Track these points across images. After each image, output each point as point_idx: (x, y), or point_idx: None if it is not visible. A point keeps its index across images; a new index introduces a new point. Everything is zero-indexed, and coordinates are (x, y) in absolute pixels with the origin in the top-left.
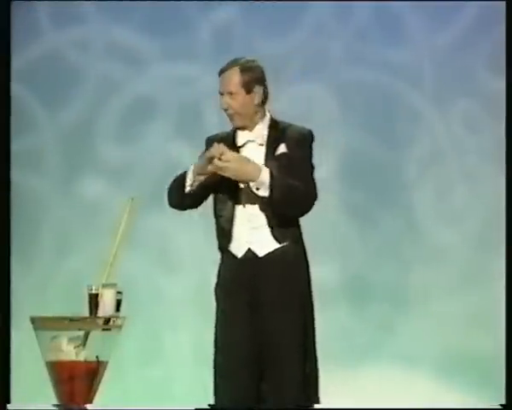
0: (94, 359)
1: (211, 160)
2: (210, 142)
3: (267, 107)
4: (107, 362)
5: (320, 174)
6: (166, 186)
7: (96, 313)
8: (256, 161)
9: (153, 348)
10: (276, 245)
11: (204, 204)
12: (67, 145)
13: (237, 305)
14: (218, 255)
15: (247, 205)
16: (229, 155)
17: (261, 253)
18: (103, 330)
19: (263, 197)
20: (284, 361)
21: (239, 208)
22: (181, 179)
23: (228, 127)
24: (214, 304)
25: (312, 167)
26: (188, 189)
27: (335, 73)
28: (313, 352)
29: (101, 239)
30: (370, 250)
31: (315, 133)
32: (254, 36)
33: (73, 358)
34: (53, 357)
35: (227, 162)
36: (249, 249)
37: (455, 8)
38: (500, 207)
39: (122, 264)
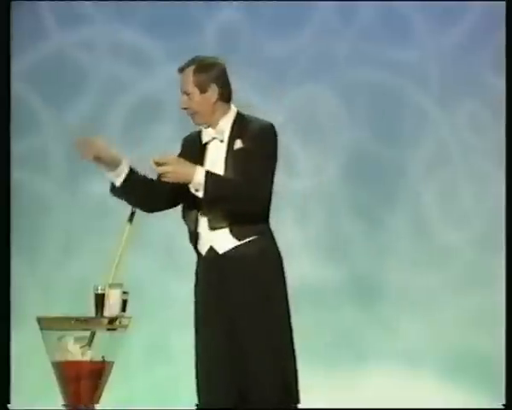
0: (100, 359)
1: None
2: (185, 141)
3: (233, 102)
4: (113, 362)
5: (326, 174)
6: None
7: (103, 313)
8: (218, 158)
9: (159, 348)
10: (236, 242)
11: None
12: (73, 146)
13: (208, 304)
14: None
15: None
16: (166, 158)
17: (221, 250)
18: (109, 330)
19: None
20: (256, 360)
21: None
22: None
23: None
24: None
25: (270, 162)
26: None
27: (341, 74)
28: (289, 349)
29: (108, 239)
30: (375, 250)
31: (320, 133)
32: (260, 36)
33: (79, 358)
34: (59, 357)
35: (165, 166)
36: (211, 247)
37: (461, 9)
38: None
39: (128, 264)
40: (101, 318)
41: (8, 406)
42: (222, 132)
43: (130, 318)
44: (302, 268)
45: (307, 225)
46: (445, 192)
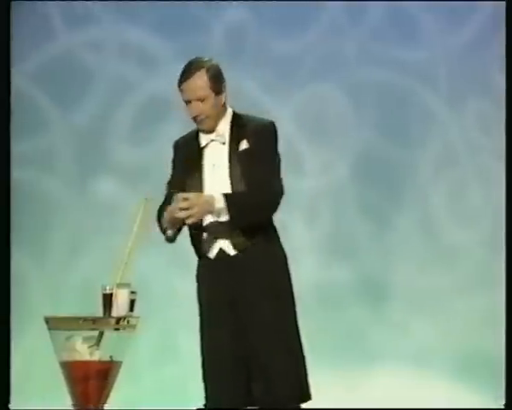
0: (108, 359)
1: (173, 214)
2: (177, 145)
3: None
4: (121, 362)
5: (333, 174)
6: None
7: (110, 313)
8: (220, 160)
9: (167, 347)
10: (247, 244)
11: None
12: (81, 146)
13: (218, 304)
14: None
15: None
16: (190, 202)
17: (232, 252)
18: (117, 330)
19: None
20: (266, 360)
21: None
22: (160, 226)
23: None
24: None
25: (276, 160)
26: (168, 235)
27: (349, 74)
28: (298, 348)
29: (116, 239)
30: (383, 250)
31: (328, 133)
32: (267, 36)
33: (87, 358)
34: (67, 357)
35: (191, 210)
36: (221, 249)
37: (469, 9)
38: None
39: (136, 264)
40: (109, 318)
41: (9, 406)
42: (222, 134)
43: (138, 318)
44: (310, 268)
45: (315, 225)
46: (452, 192)
